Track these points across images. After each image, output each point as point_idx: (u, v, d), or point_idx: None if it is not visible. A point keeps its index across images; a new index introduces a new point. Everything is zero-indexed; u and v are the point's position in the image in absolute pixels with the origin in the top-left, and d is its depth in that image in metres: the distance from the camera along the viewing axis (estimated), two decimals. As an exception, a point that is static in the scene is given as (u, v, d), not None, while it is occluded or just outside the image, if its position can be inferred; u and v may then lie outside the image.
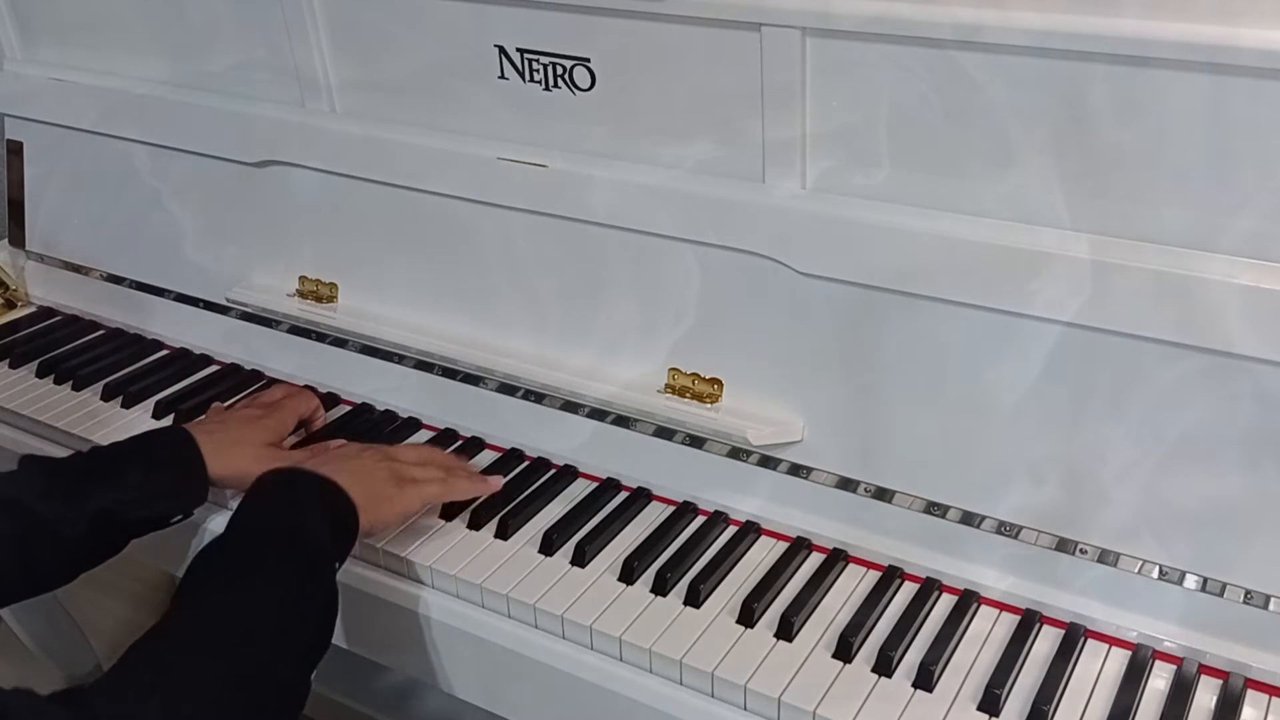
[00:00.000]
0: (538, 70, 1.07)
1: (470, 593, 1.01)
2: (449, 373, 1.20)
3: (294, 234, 1.29)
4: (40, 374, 1.34)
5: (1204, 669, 0.89)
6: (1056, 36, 0.82)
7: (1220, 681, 0.88)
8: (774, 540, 1.04)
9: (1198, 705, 0.87)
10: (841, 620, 0.95)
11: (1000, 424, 0.93)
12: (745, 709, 0.90)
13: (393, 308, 1.24)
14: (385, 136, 1.19)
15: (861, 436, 1.00)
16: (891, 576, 0.99)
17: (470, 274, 1.18)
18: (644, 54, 1.01)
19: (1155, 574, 0.90)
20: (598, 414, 1.12)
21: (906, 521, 0.99)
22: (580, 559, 1.03)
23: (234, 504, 1.11)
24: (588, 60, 1.04)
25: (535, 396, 1.15)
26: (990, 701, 0.87)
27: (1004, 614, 0.96)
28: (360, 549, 1.03)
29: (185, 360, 1.37)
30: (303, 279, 1.30)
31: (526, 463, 1.16)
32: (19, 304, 1.50)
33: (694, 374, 1.07)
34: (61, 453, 1.21)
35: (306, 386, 1.27)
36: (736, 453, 1.05)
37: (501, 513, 1.08)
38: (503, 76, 1.09)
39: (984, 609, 0.96)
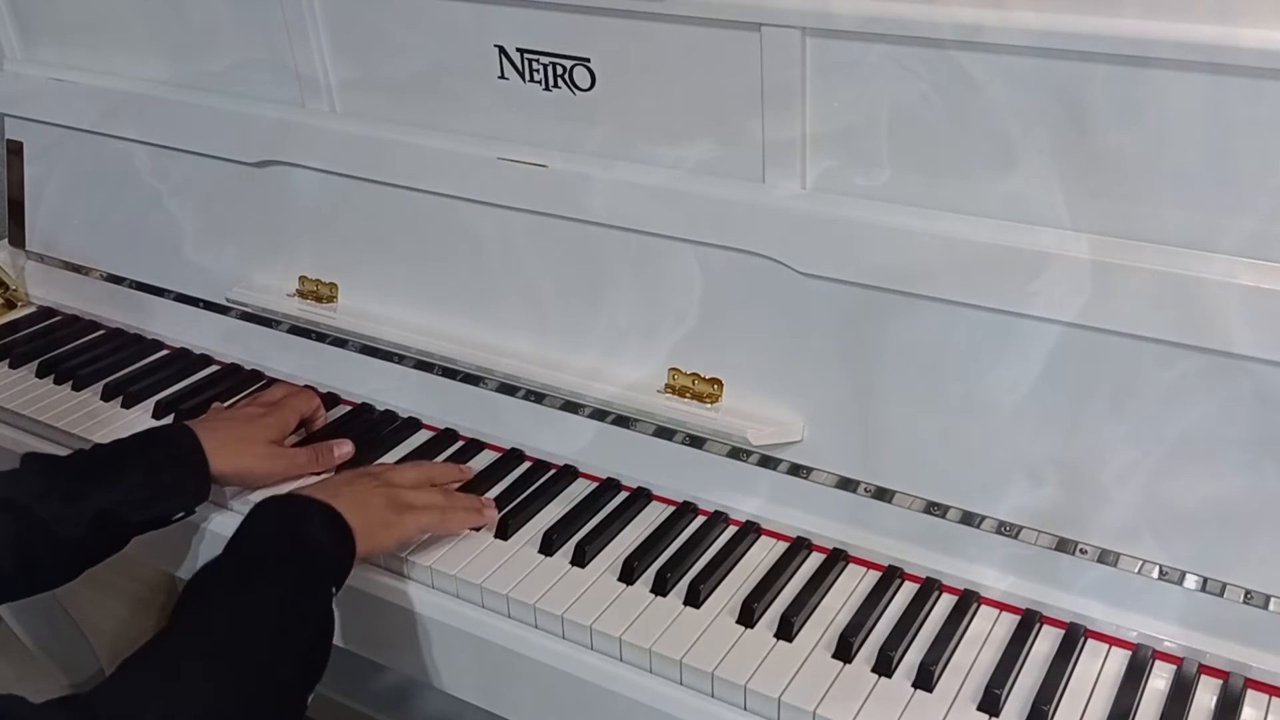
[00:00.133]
0: (538, 70, 1.07)
1: (470, 593, 1.01)
2: (449, 373, 1.20)
3: (294, 234, 1.29)
4: (40, 374, 1.34)
5: (1204, 669, 0.89)
6: (1056, 36, 0.82)
7: (1220, 681, 0.88)
8: (774, 540, 1.04)
9: (1198, 705, 0.87)
10: (841, 620, 0.95)
11: (1000, 424, 0.93)
12: (745, 709, 0.90)
13: (393, 308, 1.24)
14: (385, 136, 1.19)
15: (861, 436, 1.00)
16: (891, 576, 0.99)
17: (470, 274, 1.18)
18: (644, 54, 1.01)
19: (1155, 574, 0.90)
20: (598, 414, 1.12)
21: (906, 521, 0.99)
22: (580, 559, 1.03)
23: (234, 504, 1.11)
24: (588, 60, 1.04)
25: (535, 396, 1.15)
26: (990, 701, 0.87)
27: (1004, 614, 0.96)
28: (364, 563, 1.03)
29: (185, 360, 1.37)
30: (303, 279, 1.30)
31: (527, 463, 1.16)
32: (19, 304, 1.50)
33: (694, 374, 1.07)
34: (62, 453, 1.20)
35: (307, 386, 1.27)
36: (736, 453, 1.05)
37: (501, 513, 1.08)
38: (503, 76, 1.09)
39: (984, 609, 0.96)
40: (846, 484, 1.01)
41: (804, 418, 1.02)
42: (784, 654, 0.92)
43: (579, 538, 1.04)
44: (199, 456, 1.06)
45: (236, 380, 1.32)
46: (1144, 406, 0.88)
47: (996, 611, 0.96)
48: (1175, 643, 0.90)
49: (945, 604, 0.96)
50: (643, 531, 1.06)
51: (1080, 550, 0.92)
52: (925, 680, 0.89)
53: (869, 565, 1.01)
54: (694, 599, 0.97)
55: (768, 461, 1.04)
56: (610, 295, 1.10)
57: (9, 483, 0.99)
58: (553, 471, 1.14)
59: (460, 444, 1.19)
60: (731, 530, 1.06)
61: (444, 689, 1.06)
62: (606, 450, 1.12)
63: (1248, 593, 0.87)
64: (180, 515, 1.06)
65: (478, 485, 1.12)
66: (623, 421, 1.10)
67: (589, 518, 1.07)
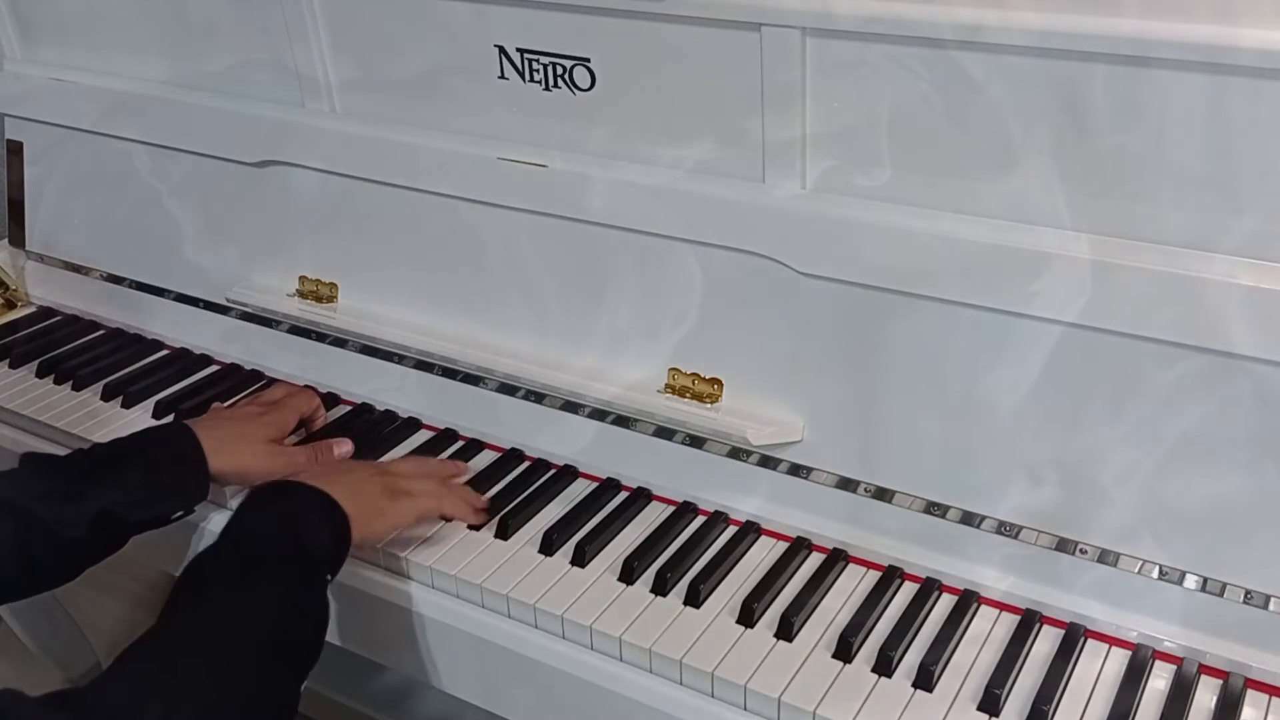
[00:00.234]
0: (538, 70, 1.07)
1: (470, 593, 1.01)
2: (449, 373, 1.20)
3: (294, 234, 1.29)
4: (40, 374, 1.34)
5: (1204, 669, 0.89)
6: (1057, 36, 0.82)
7: (1220, 681, 0.88)
8: (774, 540, 1.04)
9: (1198, 705, 0.87)
10: (841, 620, 0.95)
11: (1000, 424, 0.93)
12: (745, 709, 0.90)
13: (393, 308, 1.24)
14: (385, 136, 1.19)
15: (861, 436, 1.00)
16: (891, 576, 0.99)
17: (470, 274, 1.18)
18: (644, 54, 1.01)
19: (1155, 574, 0.90)
20: (598, 414, 1.12)
21: (906, 521, 0.99)
22: (580, 559, 1.03)
23: (234, 503, 1.11)
24: (588, 60, 1.04)
25: (535, 396, 1.15)
26: (990, 702, 0.87)
27: (1004, 614, 0.96)
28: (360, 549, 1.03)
29: (185, 360, 1.37)
30: (303, 279, 1.30)
31: (526, 463, 1.16)
32: (19, 304, 1.50)
33: (694, 374, 1.07)
34: (61, 453, 1.20)
35: (307, 386, 1.27)
36: (736, 453, 1.05)
37: (501, 513, 1.08)
38: (503, 76, 1.09)
39: (984, 609, 0.96)
40: (846, 484, 1.01)
41: (804, 418, 1.02)
42: (784, 654, 0.92)
43: (579, 538, 1.04)
44: (198, 455, 1.06)
45: (236, 380, 1.32)
46: (1144, 406, 0.88)
47: (996, 611, 0.96)
48: (1175, 643, 0.90)
49: (945, 604, 0.96)
50: (643, 531, 1.06)
51: (1080, 550, 0.92)
52: (925, 680, 0.89)
53: (869, 565, 1.01)
54: (694, 599, 0.97)
55: (768, 461, 1.04)
56: (610, 295, 1.09)
57: (9, 483, 0.99)
58: (553, 471, 1.14)
59: (460, 444, 1.19)
60: (731, 530, 1.06)
61: (444, 689, 1.06)
62: (606, 450, 1.12)
63: (1248, 593, 0.87)
64: (180, 514, 1.06)
65: (478, 485, 1.12)
66: (623, 421, 1.10)
67: (589, 518, 1.07)
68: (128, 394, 1.29)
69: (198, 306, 1.37)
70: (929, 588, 0.97)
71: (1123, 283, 0.85)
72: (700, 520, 1.07)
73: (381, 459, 1.17)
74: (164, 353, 1.39)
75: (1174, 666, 0.90)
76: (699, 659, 0.92)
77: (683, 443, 1.08)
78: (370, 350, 1.25)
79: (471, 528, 1.07)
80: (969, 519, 0.96)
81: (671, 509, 1.09)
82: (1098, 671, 0.90)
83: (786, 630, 0.94)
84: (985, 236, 0.90)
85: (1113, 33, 0.80)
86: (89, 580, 1.03)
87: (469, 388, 1.19)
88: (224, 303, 1.33)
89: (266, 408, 1.17)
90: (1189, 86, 0.80)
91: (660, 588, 0.99)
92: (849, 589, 0.99)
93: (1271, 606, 0.87)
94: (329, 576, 0.95)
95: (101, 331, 1.44)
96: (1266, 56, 0.77)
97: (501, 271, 1.15)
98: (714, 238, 1.01)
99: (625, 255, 1.07)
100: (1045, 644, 0.93)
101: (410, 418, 1.23)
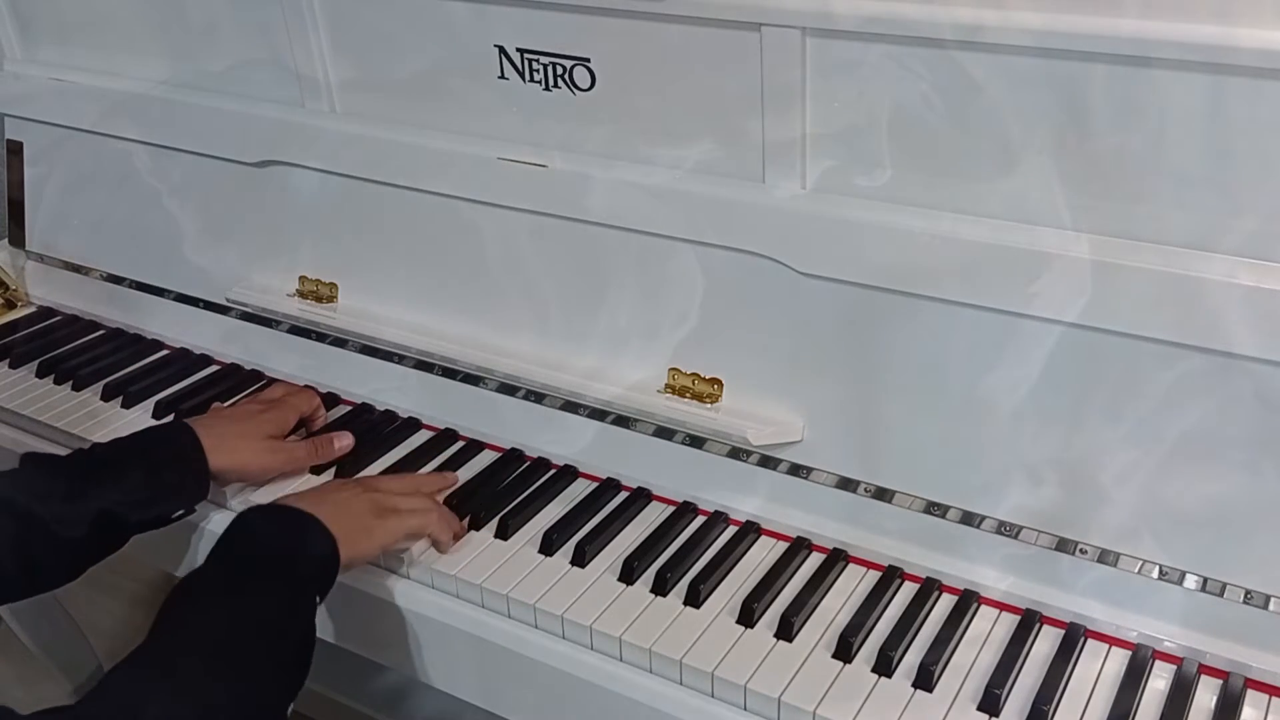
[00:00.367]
0: (538, 70, 1.07)
1: (470, 593, 1.01)
2: (449, 373, 1.20)
3: (294, 234, 1.29)
4: (40, 374, 1.34)
5: (1204, 669, 0.89)
6: (1057, 36, 0.82)
7: (1220, 681, 0.88)
8: (774, 540, 1.04)
9: (1198, 705, 0.87)
10: (841, 620, 0.95)
11: (1000, 424, 0.93)
12: (745, 709, 0.90)
13: (393, 308, 1.24)
14: (385, 136, 1.19)
15: (861, 436, 1.00)
16: (891, 576, 0.99)
17: (470, 274, 1.18)
18: (644, 54, 1.01)
19: (1155, 574, 0.90)
20: (598, 414, 1.12)
21: (906, 521, 0.99)
22: (580, 559, 1.03)
23: (234, 503, 1.12)
24: (588, 60, 1.04)
25: (535, 396, 1.15)
26: (990, 702, 0.87)
27: (1004, 614, 0.96)
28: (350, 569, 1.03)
29: (185, 360, 1.37)
30: (303, 279, 1.30)
31: (527, 463, 1.16)
32: (19, 304, 1.50)
33: (694, 374, 1.07)
34: (62, 453, 1.20)
35: (307, 386, 1.27)
36: (736, 453, 1.05)
37: (501, 513, 1.08)
38: (503, 76, 1.09)
39: (984, 609, 0.96)
40: (846, 484, 1.01)
41: (804, 418, 1.02)
42: (784, 654, 0.92)
43: (579, 538, 1.04)
44: (198, 454, 1.06)
45: (236, 380, 1.32)
46: (1144, 407, 0.88)
47: (996, 611, 0.96)
48: (1175, 643, 0.90)
49: (945, 604, 0.96)
50: (643, 531, 1.06)
51: (1080, 550, 0.92)
52: (925, 680, 0.89)
53: (869, 565, 1.01)
54: (694, 599, 0.97)
55: (768, 461, 1.04)
56: (610, 295, 1.09)
57: (9, 483, 0.99)
58: (553, 471, 1.14)
59: (460, 444, 1.19)
60: (731, 530, 1.06)
61: (444, 689, 1.06)
62: (606, 450, 1.12)
63: (1248, 593, 0.87)
64: (180, 514, 1.06)
65: (478, 485, 1.12)
66: (623, 421, 1.10)
67: (589, 518, 1.07)
68: (128, 394, 1.29)
69: (198, 306, 1.37)
70: (929, 588, 0.97)
71: (1123, 283, 0.85)
72: (700, 520, 1.07)
73: (381, 460, 1.17)
74: (164, 353, 1.39)
75: (1174, 666, 0.90)
76: (699, 659, 0.92)
77: (683, 443, 1.08)
78: (370, 350, 1.25)
79: (472, 527, 1.07)
80: (969, 519, 0.96)
81: (671, 509, 1.09)
82: (1098, 671, 0.90)
83: (786, 630, 0.94)
84: (985, 237, 0.90)
85: (1113, 33, 0.80)
86: (89, 580, 1.03)
87: (469, 388, 1.19)
88: (224, 303, 1.33)
89: (266, 405, 1.17)
90: (1189, 86, 0.80)
91: (660, 588, 0.99)
92: (849, 589, 0.99)
93: (1271, 606, 0.87)
94: (318, 599, 0.95)
95: (101, 331, 1.44)
96: (1266, 56, 0.77)
97: (501, 271, 1.15)
98: (714, 238, 1.01)
99: (625, 255, 1.07)
100: (1045, 644, 0.93)
101: (410, 418, 1.23)
